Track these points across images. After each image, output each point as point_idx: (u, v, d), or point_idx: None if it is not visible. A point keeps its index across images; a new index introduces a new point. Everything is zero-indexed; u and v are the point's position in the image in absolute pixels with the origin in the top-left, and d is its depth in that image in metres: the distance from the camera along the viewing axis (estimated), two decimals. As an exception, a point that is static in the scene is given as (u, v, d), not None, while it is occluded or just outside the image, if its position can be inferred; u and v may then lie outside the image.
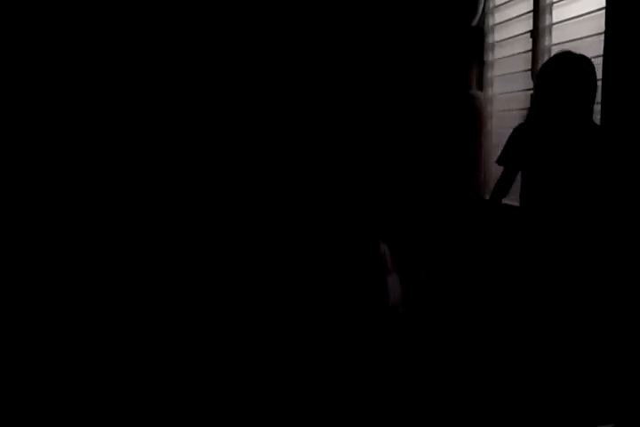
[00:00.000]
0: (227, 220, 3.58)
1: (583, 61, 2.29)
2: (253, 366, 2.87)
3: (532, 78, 2.86)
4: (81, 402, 2.58)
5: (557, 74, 2.32)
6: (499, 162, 2.58)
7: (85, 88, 3.48)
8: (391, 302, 3.27)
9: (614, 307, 2.23)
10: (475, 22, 3.39)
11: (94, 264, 3.44)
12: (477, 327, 3.02)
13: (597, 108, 2.34)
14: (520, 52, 3.05)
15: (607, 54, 2.29)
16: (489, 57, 3.46)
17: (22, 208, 3.42)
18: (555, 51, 2.76)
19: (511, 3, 3.21)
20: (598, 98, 2.34)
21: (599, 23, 2.35)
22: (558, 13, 2.77)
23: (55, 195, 3.45)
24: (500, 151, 2.59)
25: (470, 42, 3.40)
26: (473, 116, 3.32)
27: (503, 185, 2.56)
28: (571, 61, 2.30)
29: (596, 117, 2.35)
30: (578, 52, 2.34)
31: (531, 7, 2.93)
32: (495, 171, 2.92)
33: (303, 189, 3.63)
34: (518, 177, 2.54)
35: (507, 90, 3.27)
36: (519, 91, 3.05)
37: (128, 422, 2.46)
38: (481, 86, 3.49)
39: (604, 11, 2.33)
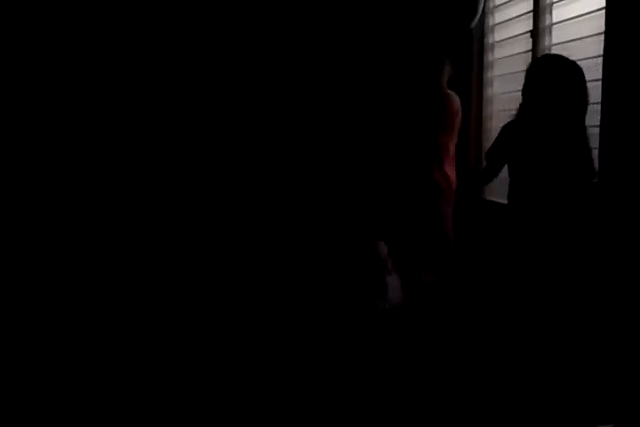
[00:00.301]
0: (223, 219, 3.58)
1: (571, 65, 2.35)
2: (248, 366, 2.87)
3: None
4: (81, 402, 2.58)
5: (546, 75, 2.38)
6: (486, 156, 2.70)
7: (86, 88, 3.48)
8: (391, 303, 3.27)
9: (614, 306, 2.23)
10: (473, 24, 3.39)
11: (94, 264, 3.44)
12: (478, 327, 3.02)
13: (597, 108, 2.35)
14: (520, 52, 3.05)
15: (607, 54, 2.29)
16: (489, 57, 3.46)
17: (23, 208, 3.42)
18: (555, 51, 2.76)
19: (511, 3, 3.21)
20: (597, 98, 2.34)
21: (599, 23, 2.35)
22: (558, 13, 2.77)
23: (55, 195, 3.46)
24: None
25: (443, 42, 3.42)
26: (445, 115, 3.30)
27: (485, 179, 2.74)
28: (559, 64, 2.36)
29: (596, 117, 2.35)
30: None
31: (531, 7, 2.93)
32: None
33: (301, 188, 3.64)
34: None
35: (507, 90, 3.26)
36: (519, 91, 3.05)
37: (128, 423, 2.46)
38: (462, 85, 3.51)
39: (604, 11, 2.33)
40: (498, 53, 3.40)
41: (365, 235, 3.53)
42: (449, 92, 3.31)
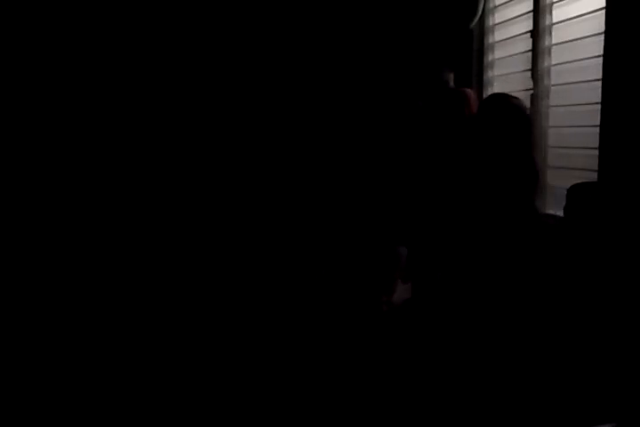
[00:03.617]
0: (233, 218, 3.60)
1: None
2: (247, 365, 2.87)
3: (532, 78, 2.86)
4: (81, 402, 2.58)
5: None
6: None
7: (85, 88, 3.49)
8: (398, 304, 3.26)
9: (614, 306, 2.23)
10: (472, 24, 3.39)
11: (93, 263, 3.44)
12: (480, 328, 3.01)
13: (597, 108, 2.35)
14: (520, 52, 3.05)
15: (607, 54, 2.29)
16: (489, 57, 3.46)
17: (23, 208, 3.42)
18: (555, 51, 2.77)
19: (511, 3, 3.21)
20: (597, 98, 2.34)
21: (599, 23, 2.35)
22: (558, 13, 2.77)
23: (54, 195, 3.46)
24: None
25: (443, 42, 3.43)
26: (462, 109, 3.28)
27: None
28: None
29: (596, 117, 2.35)
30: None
31: (531, 7, 2.93)
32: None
33: (327, 191, 3.68)
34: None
35: (506, 90, 3.26)
36: (519, 91, 3.05)
37: (128, 423, 2.46)
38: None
39: (604, 11, 2.33)
40: (498, 53, 3.40)
41: (385, 238, 3.51)
42: (459, 89, 3.30)
